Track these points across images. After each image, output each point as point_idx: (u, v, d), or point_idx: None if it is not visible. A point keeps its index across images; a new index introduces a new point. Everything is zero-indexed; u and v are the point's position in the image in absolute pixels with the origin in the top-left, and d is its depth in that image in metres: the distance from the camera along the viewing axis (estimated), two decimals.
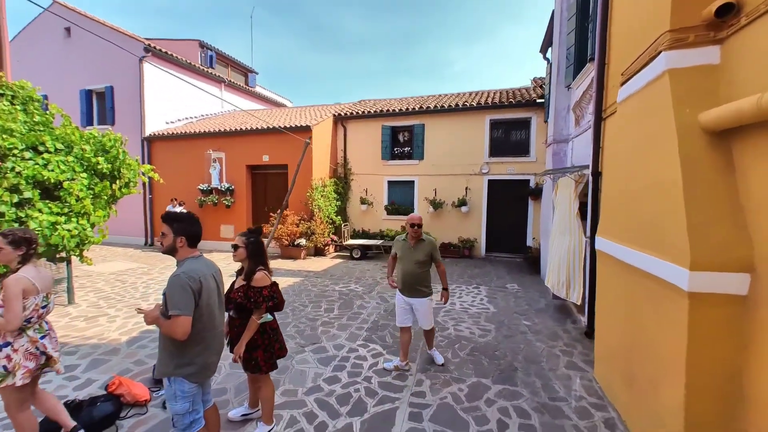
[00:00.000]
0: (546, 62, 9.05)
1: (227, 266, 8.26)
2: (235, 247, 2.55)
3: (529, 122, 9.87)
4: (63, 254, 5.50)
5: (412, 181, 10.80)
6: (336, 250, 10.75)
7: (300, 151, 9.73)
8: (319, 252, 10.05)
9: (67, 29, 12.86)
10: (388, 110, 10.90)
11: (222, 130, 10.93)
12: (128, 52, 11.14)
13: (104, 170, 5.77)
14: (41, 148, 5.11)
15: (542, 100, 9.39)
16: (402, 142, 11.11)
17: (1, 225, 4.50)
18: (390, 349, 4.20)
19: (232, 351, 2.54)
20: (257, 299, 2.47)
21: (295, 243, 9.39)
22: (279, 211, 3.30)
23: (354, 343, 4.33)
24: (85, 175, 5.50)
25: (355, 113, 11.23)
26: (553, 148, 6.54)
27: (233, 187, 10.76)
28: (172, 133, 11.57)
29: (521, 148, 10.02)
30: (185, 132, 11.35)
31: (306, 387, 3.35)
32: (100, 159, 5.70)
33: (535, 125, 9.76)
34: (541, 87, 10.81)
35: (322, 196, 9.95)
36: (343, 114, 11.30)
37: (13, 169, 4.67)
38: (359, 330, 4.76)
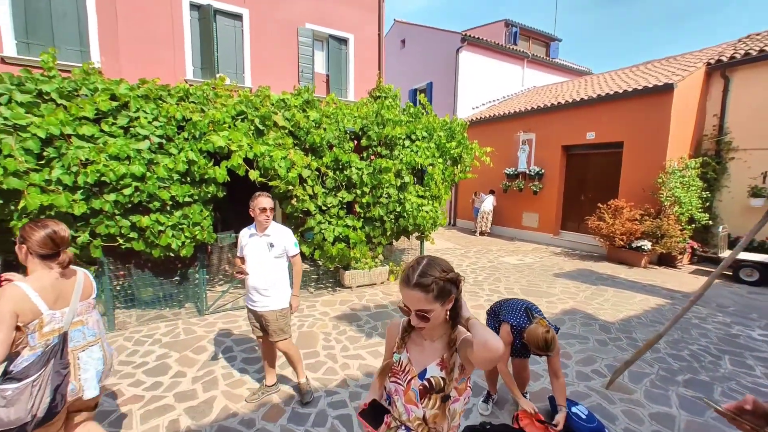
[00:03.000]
0: None
1: (530, 259, 7.02)
2: None
3: None
4: (418, 233, 6.08)
5: None
6: (694, 262, 7.51)
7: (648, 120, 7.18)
8: (664, 260, 7.27)
9: (402, 41, 15.64)
10: None
11: (534, 107, 9.89)
12: (448, 46, 12.03)
13: (454, 155, 5.88)
14: (413, 137, 5.66)
15: None
16: None
17: (389, 206, 5.21)
18: None
19: None
20: None
21: (634, 245, 7.08)
22: None
23: None
24: (441, 160, 5.75)
25: (753, 52, 7.15)
26: None
27: (543, 170, 9.59)
28: (481, 117, 11.69)
29: None
30: (494, 115, 11.15)
31: None
32: (452, 144, 5.82)
33: None
34: None
35: (681, 183, 6.99)
36: (725, 59, 7.48)
37: (398, 156, 5.31)
38: None
